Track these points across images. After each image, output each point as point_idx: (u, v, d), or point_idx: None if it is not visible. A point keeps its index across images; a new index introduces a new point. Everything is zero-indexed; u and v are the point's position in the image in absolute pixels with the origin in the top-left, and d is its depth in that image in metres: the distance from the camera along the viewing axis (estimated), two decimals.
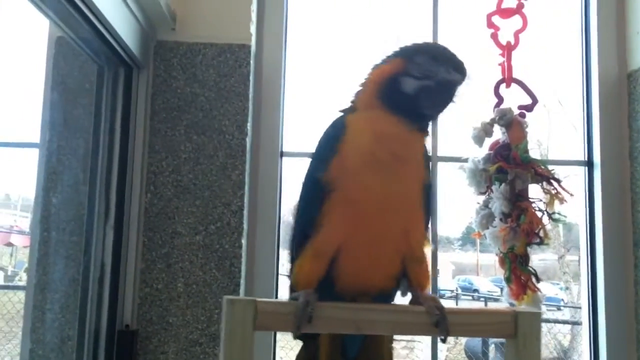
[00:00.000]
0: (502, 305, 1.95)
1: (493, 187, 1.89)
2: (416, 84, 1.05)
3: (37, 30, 1.99)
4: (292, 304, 1.00)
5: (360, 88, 1.13)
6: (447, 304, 1.04)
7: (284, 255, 2.10)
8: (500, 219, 1.86)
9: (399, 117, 1.03)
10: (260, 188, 2.10)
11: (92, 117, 1.88)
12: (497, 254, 1.90)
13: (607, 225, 2.11)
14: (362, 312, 1.02)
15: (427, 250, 1.11)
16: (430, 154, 1.67)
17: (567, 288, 6.45)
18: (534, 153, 1.93)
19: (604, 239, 2.11)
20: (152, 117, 1.98)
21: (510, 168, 1.85)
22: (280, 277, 2.15)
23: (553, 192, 1.87)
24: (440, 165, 2.10)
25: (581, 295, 2.25)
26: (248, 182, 2.00)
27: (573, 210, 2.22)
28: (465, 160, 1.97)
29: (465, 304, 7.86)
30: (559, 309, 6.65)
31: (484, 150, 1.95)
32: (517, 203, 1.84)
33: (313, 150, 1.13)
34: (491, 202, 1.91)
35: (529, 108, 1.95)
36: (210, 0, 2.04)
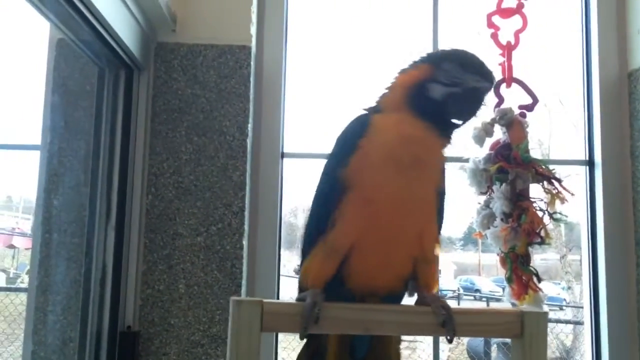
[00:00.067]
0: (504, 305, 1.94)
1: (494, 187, 1.89)
2: (443, 90, 1.05)
3: (38, 33, 1.99)
4: (299, 304, 1.00)
5: (386, 91, 1.13)
6: (450, 304, 1.04)
7: (285, 256, 2.10)
8: (501, 219, 1.86)
9: (425, 122, 1.04)
10: (261, 189, 2.10)
11: (93, 119, 1.88)
12: (498, 254, 1.90)
13: (609, 224, 2.11)
14: (369, 313, 1.02)
15: (438, 254, 1.11)
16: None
17: (569, 288, 6.43)
18: (535, 153, 1.93)
19: (605, 239, 2.11)
20: (153, 118, 1.98)
21: (511, 168, 1.85)
22: (281, 278, 2.15)
23: (554, 191, 1.87)
24: None
25: (583, 295, 2.25)
26: (249, 183, 2.00)
27: (574, 209, 2.22)
28: (466, 161, 1.97)
29: (467, 304, 7.85)
30: (561, 308, 6.64)
31: (484, 150, 1.95)
32: (518, 203, 1.84)
33: (332, 145, 1.13)
34: (492, 202, 1.90)
35: (530, 108, 1.95)
36: (210, 1, 2.05)
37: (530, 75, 2.01)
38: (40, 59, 1.93)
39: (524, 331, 1.02)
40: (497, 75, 2.04)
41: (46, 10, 1.54)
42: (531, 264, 1.85)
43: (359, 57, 2.94)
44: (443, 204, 1.14)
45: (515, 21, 2.01)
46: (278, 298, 2.10)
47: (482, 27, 2.03)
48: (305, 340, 1.18)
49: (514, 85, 1.99)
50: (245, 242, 1.96)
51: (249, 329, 0.95)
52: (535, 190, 1.88)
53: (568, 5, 2.34)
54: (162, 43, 2.01)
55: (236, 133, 1.98)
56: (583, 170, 2.22)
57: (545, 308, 1.91)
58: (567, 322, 6.02)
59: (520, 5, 2.00)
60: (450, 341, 1.03)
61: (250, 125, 2.01)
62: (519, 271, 1.84)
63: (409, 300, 1.14)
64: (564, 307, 6.66)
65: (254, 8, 2.10)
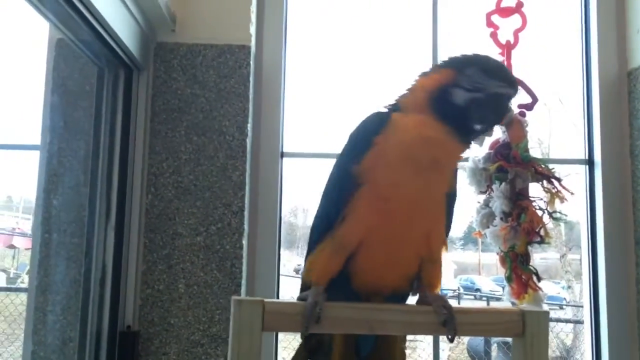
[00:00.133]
0: (504, 304, 1.94)
1: (493, 186, 1.89)
2: (466, 95, 1.05)
3: (37, 33, 1.99)
4: (300, 304, 1.00)
5: (406, 92, 1.12)
6: (451, 303, 1.05)
7: (285, 256, 2.10)
8: (501, 218, 1.86)
9: (447, 126, 1.03)
10: (260, 189, 2.10)
11: (93, 119, 1.88)
12: (498, 253, 1.90)
13: (608, 223, 2.11)
14: (370, 312, 1.02)
15: (445, 255, 1.12)
16: None
17: (569, 287, 6.43)
18: (535, 152, 1.93)
19: (605, 238, 2.11)
20: (153, 118, 1.98)
21: (511, 167, 1.85)
22: (281, 277, 2.15)
23: (554, 190, 1.87)
24: None
25: (583, 294, 2.25)
26: (249, 182, 2.00)
27: (574, 208, 2.22)
28: (466, 160, 1.97)
29: (468, 303, 7.85)
30: (561, 307, 6.64)
31: (484, 149, 1.95)
32: (518, 202, 1.84)
33: (346, 140, 1.12)
34: (492, 201, 1.90)
35: (529, 107, 1.94)
36: (209, 1, 2.05)
37: (530, 75, 2.01)
38: (40, 59, 1.93)
39: (525, 330, 1.02)
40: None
41: (45, 10, 1.54)
42: (531, 263, 1.85)
43: (359, 56, 2.94)
44: (453, 206, 1.14)
45: (515, 20, 2.01)
46: (278, 298, 2.10)
47: (481, 26, 2.03)
48: (305, 338, 1.19)
49: None
50: (244, 242, 1.96)
51: (250, 329, 0.95)
52: (535, 190, 1.88)
53: (568, 4, 2.34)
54: (162, 43, 2.01)
55: (236, 133, 1.98)
56: (583, 169, 2.22)
57: (545, 307, 1.91)
58: (567, 321, 6.02)
59: (520, 5, 2.00)
60: (451, 340, 1.03)
61: (249, 125, 2.01)
62: (519, 270, 1.84)
63: (411, 299, 1.14)
64: (564, 306, 6.66)
65: (254, 8, 2.10)
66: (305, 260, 1.14)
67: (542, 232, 1.83)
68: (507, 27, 2.01)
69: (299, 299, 1.04)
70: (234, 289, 1.91)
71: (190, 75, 1.99)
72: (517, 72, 1.99)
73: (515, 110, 1.95)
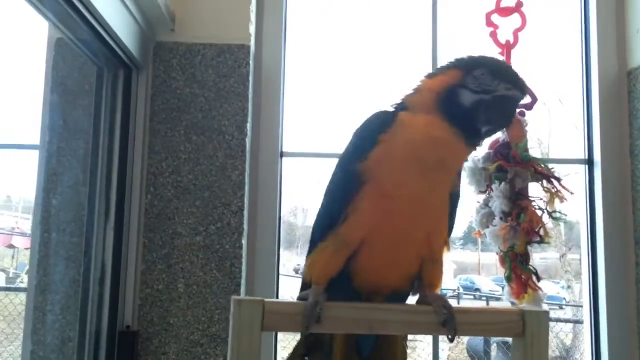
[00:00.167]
0: (504, 304, 1.94)
1: (493, 186, 1.89)
2: (473, 97, 1.04)
3: (37, 32, 1.99)
4: (300, 304, 0.99)
5: (412, 92, 1.11)
6: (451, 303, 1.04)
7: (285, 255, 2.10)
8: (501, 218, 1.86)
9: (454, 128, 1.03)
10: (260, 188, 2.10)
11: (92, 119, 1.88)
12: (497, 253, 1.90)
13: (608, 223, 2.11)
14: (370, 312, 1.02)
15: (446, 255, 1.11)
16: None
17: (568, 286, 6.43)
18: (534, 151, 1.93)
19: (604, 237, 2.11)
20: (152, 117, 1.98)
21: (510, 166, 1.85)
22: (280, 277, 2.15)
23: (553, 190, 1.86)
24: None
25: (583, 294, 2.25)
26: (248, 182, 2.00)
27: (574, 208, 2.22)
28: (465, 159, 1.96)
29: (467, 303, 7.85)
30: (560, 307, 6.64)
31: (483, 149, 1.95)
32: (517, 202, 1.84)
33: (350, 138, 1.11)
34: (491, 200, 1.90)
35: (529, 106, 1.94)
36: (209, 0, 2.05)
37: (530, 74, 2.00)
38: (39, 59, 1.93)
39: (525, 330, 1.02)
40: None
41: (45, 9, 1.54)
42: (530, 263, 1.85)
43: (358, 55, 2.93)
44: (456, 207, 1.14)
45: (514, 20, 2.01)
46: (277, 297, 2.10)
47: (481, 26, 2.03)
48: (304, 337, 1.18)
49: None
50: (244, 242, 1.96)
51: (250, 329, 0.95)
52: (535, 189, 1.88)
53: (567, 3, 2.34)
54: (161, 42, 2.01)
55: (235, 132, 1.98)
56: (582, 169, 2.22)
57: (545, 307, 1.91)
58: (566, 321, 6.02)
59: (519, 4, 2.00)
60: (451, 340, 1.03)
61: (249, 125, 2.01)
62: (518, 270, 1.84)
63: (411, 299, 1.14)
64: (563, 306, 6.66)
65: (253, 7, 2.09)
66: (306, 259, 1.14)
67: (541, 232, 1.83)
68: (506, 26, 2.01)
69: (299, 298, 1.04)
70: (234, 289, 1.91)
71: (190, 75, 1.99)
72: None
73: None
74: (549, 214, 1.87)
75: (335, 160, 1.14)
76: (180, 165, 1.95)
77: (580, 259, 2.31)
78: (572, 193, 1.90)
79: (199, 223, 1.93)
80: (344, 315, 1.01)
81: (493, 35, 2.01)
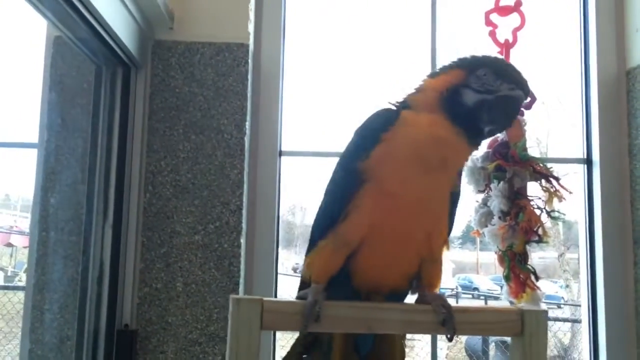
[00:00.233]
0: (503, 303, 1.94)
1: (492, 185, 1.89)
2: (476, 97, 1.04)
3: (35, 30, 1.99)
4: (299, 303, 0.99)
5: (414, 91, 1.11)
6: (450, 302, 1.04)
7: (283, 254, 2.10)
8: (499, 217, 1.86)
9: (457, 127, 1.02)
10: (259, 187, 2.10)
11: (90, 117, 1.88)
12: (496, 252, 1.90)
13: (607, 223, 2.11)
14: (370, 311, 1.02)
15: (446, 254, 1.11)
16: None
17: (567, 286, 6.44)
18: (533, 151, 1.93)
19: (603, 237, 2.11)
20: (151, 116, 1.97)
21: (509, 166, 1.85)
22: (279, 276, 2.15)
23: (552, 189, 1.87)
24: None
25: (581, 293, 2.25)
26: (247, 181, 2.00)
27: (572, 208, 2.22)
28: None
29: (466, 302, 7.86)
30: (559, 307, 6.65)
31: (482, 148, 1.95)
32: (516, 201, 1.84)
33: (352, 135, 1.10)
34: (490, 200, 1.90)
35: (528, 106, 1.94)
36: None
37: (529, 73, 2.00)
38: (38, 57, 1.93)
39: (524, 330, 1.02)
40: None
41: (43, 7, 1.54)
42: (529, 262, 1.85)
43: (357, 54, 2.93)
44: (456, 206, 1.14)
45: (514, 19, 2.01)
46: (276, 296, 2.10)
47: (480, 25, 2.03)
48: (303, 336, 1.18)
49: None
50: (242, 240, 1.96)
51: (249, 328, 0.95)
52: (533, 189, 1.89)
53: (566, 3, 2.34)
54: (160, 41, 2.00)
55: (234, 131, 1.97)
56: (581, 168, 2.22)
57: (543, 306, 1.91)
58: (565, 320, 6.03)
59: (519, 3, 2.00)
60: (450, 340, 1.03)
61: (247, 123, 2.01)
62: (517, 269, 1.84)
63: (410, 298, 1.14)
64: (561, 306, 6.67)
65: (252, 6, 2.09)
66: (305, 258, 1.14)
67: (540, 231, 1.83)
68: (506, 25, 2.01)
69: (298, 297, 1.03)
70: (232, 288, 1.91)
71: (188, 74, 1.99)
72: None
73: None
74: (548, 213, 1.87)
75: (335, 159, 1.13)
76: (179, 164, 1.95)
77: (578, 259, 2.31)
78: (570, 192, 1.91)
79: (197, 222, 1.93)
80: (343, 315, 1.01)
81: (492, 34, 2.01)
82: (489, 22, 2.01)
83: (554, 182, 1.88)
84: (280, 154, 2.15)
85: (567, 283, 6.42)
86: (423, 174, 1.02)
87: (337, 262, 1.05)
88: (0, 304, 5.35)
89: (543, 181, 1.88)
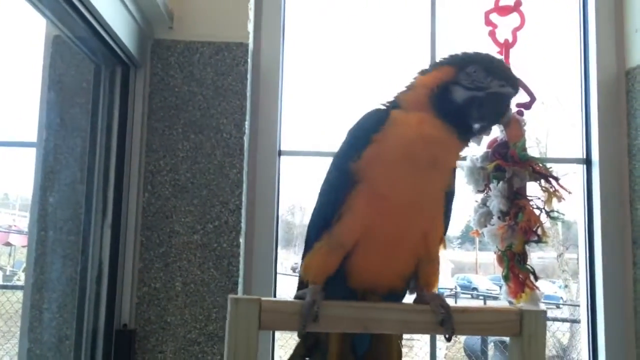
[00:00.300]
0: (502, 303, 1.94)
1: (491, 185, 1.89)
2: (466, 94, 1.04)
3: (34, 29, 1.99)
4: (298, 303, 0.99)
5: (405, 89, 1.11)
6: (449, 302, 1.04)
7: (282, 254, 2.10)
8: (498, 217, 1.86)
9: (447, 124, 1.02)
10: (258, 187, 2.10)
11: (90, 116, 1.87)
12: (495, 252, 1.90)
13: (606, 223, 2.11)
14: (368, 311, 1.02)
15: (442, 253, 1.11)
16: None
17: (566, 286, 6.45)
18: (533, 151, 1.92)
19: (602, 237, 2.11)
20: (150, 115, 1.97)
21: (508, 166, 1.85)
22: (278, 276, 2.15)
23: (551, 190, 1.86)
24: None
25: (580, 293, 2.25)
26: (246, 180, 2.00)
27: (571, 208, 2.22)
28: (464, 159, 1.96)
29: (465, 302, 7.87)
30: (558, 307, 6.66)
31: (482, 148, 1.95)
32: (515, 201, 1.84)
33: (345, 137, 1.11)
34: (489, 200, 1.90)
35: (527, 106, 1.94)
36: None
37: (528, 73, 2.00)
38: (37, 56, 1.93)
39: (522, 330, 1.02)
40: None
41: (42, 7, 1.54)
42: (528, 262, 1.85)
43: (357, 54, 2.93)
44: (451, 205, 1.14)
45: (513, 19, 2.01)
46: (275, 296, 2.10)
47: (480, 25, 2.03)
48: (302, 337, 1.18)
49: None
50: (241, 240, 1.96)
51: (247, 327, 0.95)
52: (533, 189, 1.88)
53: (566, 3, 2.34)
54: (159, 40, 2.00)
55: (233, 130, 1.97)
56: (580, 168, 2.22)
57: (542, 306, 1.91)
58: (563, 320, 6.04)
59: (518, 3, 2.00)
60: (448, 340, 1.03)
61: (247, 123, 2.01)
62: (516, 269, 1.84)
63: (408, 298, 1.14)
64: (560, 306, 6.68)
65: (251, 5, 2.09)
66: (302, 259, 1.14)
67: (539, 231, 1.83)
68: (505, 25, 2.01)
69: (297, 297, 1.03)
70: (231, 287, 1.90)
71: (188, 73, 1.99)
72: (515, 71, 1.99)
73: (514, 109, 1.95)
74: (547, 213, 1.87)
75: None
76: (178, 163, 1.95)
77: (577, 259, 2.31)
78: (570, 192, 1.90)
79: (196, 221, 1.93)
80: (341, 315, 1.01)
81: (492, 34, 2.00)
82: (488, 22, 2.01)
83: (553, 182, 1.88)
84: (280, 153, 2.15)
85: (566, 283, 6.43)
86: (414, 173, 1.02)
87: (333, 264, 1.05)
88: None
89: (542, 181, 1.88)
